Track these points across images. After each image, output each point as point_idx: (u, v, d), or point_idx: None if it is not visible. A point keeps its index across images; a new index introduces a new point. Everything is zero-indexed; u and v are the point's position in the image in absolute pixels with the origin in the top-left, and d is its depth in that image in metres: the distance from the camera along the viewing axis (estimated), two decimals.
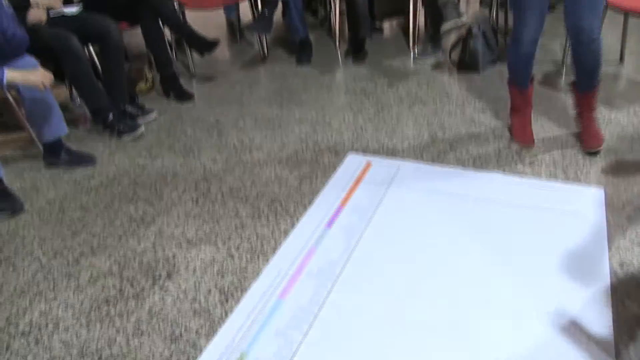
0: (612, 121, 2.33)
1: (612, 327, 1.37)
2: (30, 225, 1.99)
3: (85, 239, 1.88)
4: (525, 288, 1.52)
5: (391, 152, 2.25)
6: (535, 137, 2.25)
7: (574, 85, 2.15)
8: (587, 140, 2.14)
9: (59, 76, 2.59)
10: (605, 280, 1.51)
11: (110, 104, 2.49)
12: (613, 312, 1.42)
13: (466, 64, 2.94)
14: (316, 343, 1.39)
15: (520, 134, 2.23)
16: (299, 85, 2.95)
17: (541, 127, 2.35)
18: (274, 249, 1.76)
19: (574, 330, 1.38)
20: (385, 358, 1.34)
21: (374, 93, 2.80)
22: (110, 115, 2.48)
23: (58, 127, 2.25)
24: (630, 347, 1.32)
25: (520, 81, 2.20)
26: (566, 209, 1.81)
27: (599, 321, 1.39)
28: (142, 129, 2.50)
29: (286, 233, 1.83)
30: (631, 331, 1.36)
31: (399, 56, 3.22)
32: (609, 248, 1.64)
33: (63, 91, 2.84)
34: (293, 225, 1.87)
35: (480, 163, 2.13)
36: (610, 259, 1.59)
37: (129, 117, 2.63)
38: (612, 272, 1.55)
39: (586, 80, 2.08)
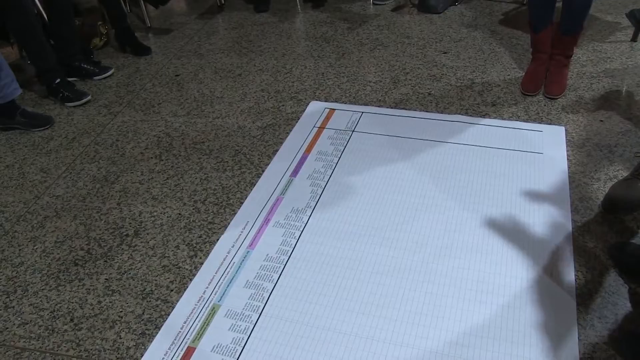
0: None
1: (572, 261, 1.42)
2: None
3: (48, 202, 1.85)
4: (488, 228, 1.55)
5: (353, 99, 2.25)
6: (497, 77, 2.24)
7: (556, 25, 2.04)
8: (550, 85, 2.09)
9: (4, 35, 2.50)
10: (567, 216, 1.55)
11: (59, 67, 2.39)
12: (573, 247, 1.46)
13: (426, 5, 2.90)
14: (286, 292, 1.41)
15: (525, 80, 2.15)
16: (257, 33, 2.90)
17: (502, 67, 2.34)
18: (240, 201, 1.76)
19: (537, 268, 1.41)
20: (356, 303, 1.36)
21: (334, 38, 2.77)
22: (57, 80, 2.38)
23: (10, 89, 2.18)
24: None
25: (534, 20, 2.08)
26: (528, 148, 1.84)
27: (561, 257, 1.44)
28: (88, 97, 2.41)
29: (252, 184, 1.82)
30: (589, 264, 1.41)
31: None
32: (570, 185, 1.67)
33: (14, 50, 2.73)
34: (258, 175, 1.86)
35: (443, 106, 2.14)
36: (571, 196, 1.62)
37: (84, 74, 2.54)
38: (573, 208, 1.59)
39: (572, 22, 1.99)
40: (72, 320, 1.42)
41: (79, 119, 2.31)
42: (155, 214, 1.76)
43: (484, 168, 1.76)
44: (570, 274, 1.37)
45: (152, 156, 2.04)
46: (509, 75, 2.28)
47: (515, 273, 1.40)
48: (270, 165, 1.91)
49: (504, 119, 2.02)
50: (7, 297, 1.51)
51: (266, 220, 1.65)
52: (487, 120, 2.01)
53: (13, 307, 1.48)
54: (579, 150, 1.83)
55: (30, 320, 1.43)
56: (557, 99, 2.09)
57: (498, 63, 2.37)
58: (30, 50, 2.37)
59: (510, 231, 1.52)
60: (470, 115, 2.05)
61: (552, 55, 2.10)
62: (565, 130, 1.93)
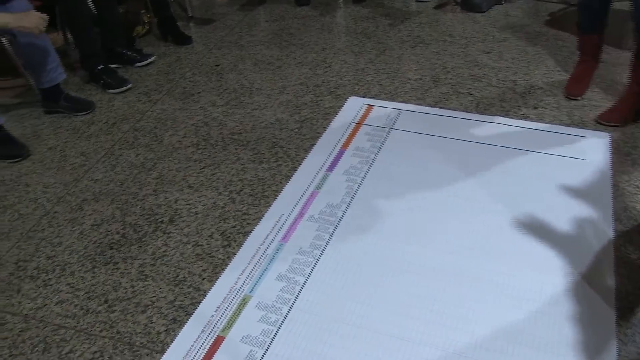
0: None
1: (613, 272, 1.37)
2: (32, 172, 1.99)
3: (87, 185, 1.88)
4: (525, 233, 1.52)
5: (392, 96, 2.22)
6: (541, 79, 2.19)
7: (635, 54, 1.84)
8: (617, 112, 1.90)
9: (52, 21, 2.50)
10: (609, 225, 1.51)
11: (101, 53, 2.43)
12: (615, 257, 1.42)
13: (470, 4, 2.85)
14: (318, 286, 1.40)
15: (569, 83, 2.05)
16: (298, 26, 2.89)
17: (546, 70, 2.30)
18: (276, 193, 1.75)
19: (575, 277, 1.38)
20: (386, 301, 1.35)
21: (375, 34, 2.74)
22: (100, 66, 2.41)
23: (56, 73, 2.21)
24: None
25: (583, 23, 1.96)
26: (570, 154, 1.78)
27: (601, 266, 1.40)
28: (129, 85, 2.43)
29: (287, 177, 1.82)
30: (631, 276, 1.37)
31: None
32: (613, 193, 1.62)
33: (60, 37, 2.77)
34: (294, 169, 1.85)
35: (483, 107, 2.10)
36: (614, 204, 1.58)
37: (126, 60, 2.57)
38: (616, 217, 1.54)
39: None
40: (106, 302, 1.44)
41: (119, 105, 2.34)
42: (190, 202, 1.76)
43: (523, 172, 1.73)
44: (610, 286, 1.33)
45: (190, 145, 2.04)
46: (552, 77, 2.23)
47: (551, 280, 1.37)
48: (306, 159, 1.90)
49: (546, 123, 1.96)
50: (46, 275, 1.54)
51: (300, 214, 1.64)
52: (528, 123, 1.97)
53: (51, 285, 1.51)
54: (624, 158, 1.78)
55: (67, 299, 1.45)
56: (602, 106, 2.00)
57: (542, 65, 2.32)
58: (77, 35, 2.41)
59: (548, 237, 1.48)
60: (511, 118, 2.01)
61: (631, 82, 1.91)
62: (611, 137, 1.86)
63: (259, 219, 1.65)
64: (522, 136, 1.90)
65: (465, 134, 1.93)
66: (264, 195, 1.76)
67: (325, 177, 1.80)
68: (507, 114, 2.04)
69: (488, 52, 2.48)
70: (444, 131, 1.96)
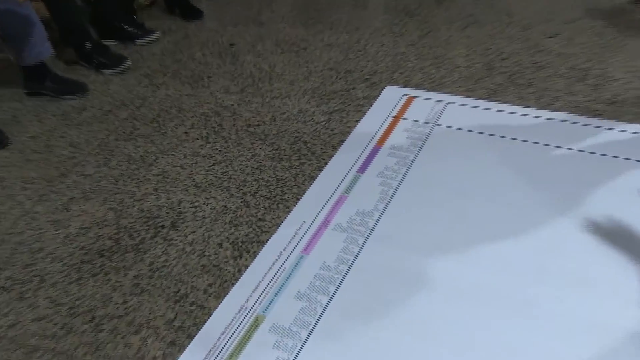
0: None
1: None
2: (11, 164, 2.00)
3: (75, 182, 1.89)
4: (595, 254, 1.48)
5: (438, 85, 2.22)
6: (619, 68, 2.15)
7: None
8: None
9: None
10: None
11: (87, 28, 2.40)
12: None
13: None
14: (344, 308, 1.38)
15: None
16: (328, 2, 2.88)
17: (626, 57, 2.27)
18: (297, 197, 1.75)
19: None
20: (422, 329, 1.33)
21: (419, 13, 2.74)
22: (88, 44, 2.40)
23: (41, 48, 2.19)
24: None
25: None
26: None
27: None
28: (128, 62, 2.43)
29: (311, 178, 1.82)
30: None
31: None
32: None
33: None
34: (320, 168, 1.85)
35: (546, 101, 2.07)
36: None
37: (125, 36, 2.56)
38: None
39: None
40: (92, 319, 1.43)
41: (116, 89, 2.35)
42: (197, 204, 1.76)
43: (594, 180, 1.70)
44: None
45: (198, 137, 2.04)
46: (634, 66, 2.19)
47: (627, 312, 1.33)
48: (334, 157, 1.90)
49: (624, 122, 1.92)
50: (22, 287, 1.53)
51: (325, 222, 1.64)
52: (602, 122, 1.93)
53: (28, 298, 1.50)
54: None
55: (46, 316, 1.44)
56: None
57: (621, 51, 2.29)
58: (51, 3, 2.33)
59: (622, 260, 1.44)
60: (581, 115, 1.98)
61: None
62: None
63: (277, 226, 1.64)
64: (595, 137, 1.87)
65: (523, 132, 1.91)
66: (282, 198, 1.75)
67: (355, 180, 1.80)
68: (575, 110, 2.00)
69: (554, 36, 2.45)
70: (498, 129, 1.94)
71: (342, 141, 1.97)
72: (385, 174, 1.82)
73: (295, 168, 1.88)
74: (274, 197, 1.77)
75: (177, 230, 1.67)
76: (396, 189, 1.75)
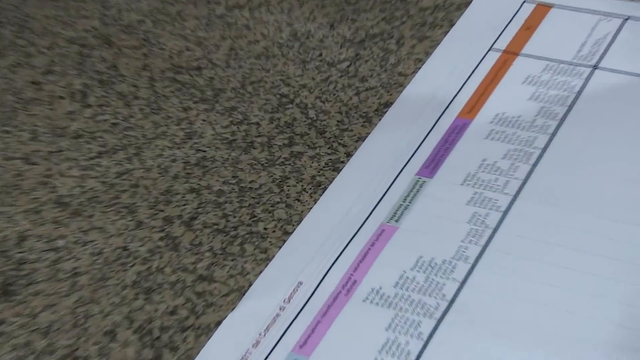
0: None
1: None
2: None
3: None
4: None
5: None
6: None
7: None
8: None
9: None
10: None
11: None
12: None
13: None
14: None
15: None
16: None
17: None
18: (286, 227, 1.45)
19: None
20: None
21: None
22: None
23: None
24: None
25: None
26: None
27: None
28: None
29: (318, 186, 1.50)
30: None
31: None
32: None
33: None
34: (335, 166, 1.52)
35: None
36: None
37: None
38: None
39: None
40: None
41: None
42: (60, 244, 1.44)
43: None
44: None
45: (65, 93, 1.75)
46: None
47: None
48: (367, 142, 1.57)
49: None
50: None
51: (347, 285, 1.32)
52: None
53: None
54: None
55: None
56: None
57: None
58: None
59: None
60: None
61: None
62: None
63: (238, 294, 1.31)
64: None
65: None
66: (253, 231, 1.43)
67: (415, 191, 1.47)
68: None
69: None
70: None
71: (386, 107, 1.64)
72: (482, 179, 1.47)
73: (284, 165, 1.56)
74: (234, 228, 1.44)
75: (13, 301, 1.36)
76: (505, 211, 1.40)
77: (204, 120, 1.69)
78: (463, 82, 1.71)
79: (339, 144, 1.60)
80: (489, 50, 1.75)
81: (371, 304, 1.29)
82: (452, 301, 1.28)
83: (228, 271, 1.37)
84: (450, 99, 1.66)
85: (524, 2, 1.85)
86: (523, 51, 1.73)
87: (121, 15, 2.04)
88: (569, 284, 1.31)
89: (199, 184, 1.56)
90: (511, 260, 1.37)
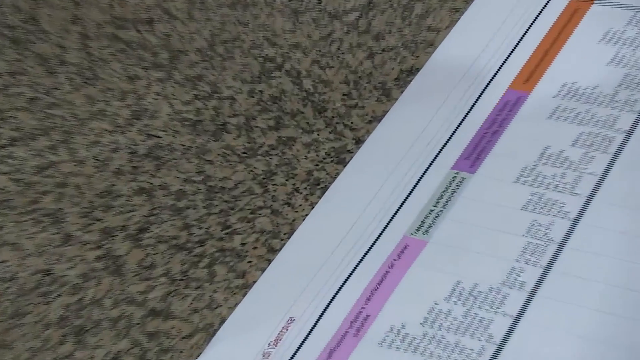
0: None
1: None
2: None
3: None
4: None
5: None
6: None
7: None
8: None
9: None
10: None
11: None
12: None
13: None
14: None
15: None
16: None
17: None
18: (271, 242, 1.44)
19: None
20: None
21: None
22: None
23: None
24: None
25: None
26: None
27: None
28: None
29: (315, 185, 1.50)
30: None
31: None
32: None
33: None
34: (338, 157, 1.52)
35: None
36: None
37: None
38: None
39: None
40: None
41: None
42: None
43: None
44: None
45: None
46: None
47: None
48: (385, 121, 1.56)
49: None
50: None
51: (354, 322, 1.31)
52: None
53: None
54: None
55: None
56: None
57: None
58: None
59: None
60: None
61: None
62: None
63: (205, 335, 1.30)
64: None
65: None
66: (226, 250, 1.42)
67: (452, 189, 1.45)
68: None
69: None
70: None
71: (410, 76, 1.64)
72: (543, 174, 1.47)
73: (268, 155, 1.55)
74: (199, 243, 1.43)
75: None
76: (576, 220, 1.40)
77: (158, 94, 1.66)
78: (517, 41, 1.69)
79: (345, 126, 1.58)
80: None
81: (390, 349, 1.25)
82: (502, 344, 1.24)
83: (191, 303, 1.34)
84: (499, 65, 1.64)
85: None
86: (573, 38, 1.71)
87: None
88: None
89: (150, 183, 1.53)
90: (584, 288, 1.33)
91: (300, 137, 1.58)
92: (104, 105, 1.66)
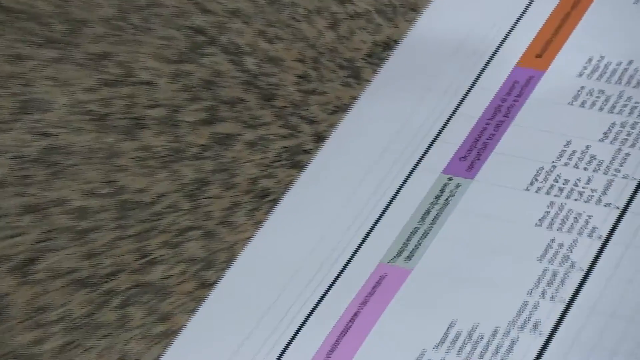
0: None
1: None
2: None
3: None
4: None
5: None
6: None
7: None
8: None
9: None
10: None
11: None
12: None
13: None
14: None
15: None
16: None
17: None
18: (218, 263, 1.46)
19: None
20: None
21: None
22: None
23: None
24: None
25: None
26: None
27: None
28: None
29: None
30: None
31: None
32: None
33: None
34: (297, 161, 1.56)
35: None
36: None
37: None
38: None
39: None
40: None
41: None
42: None
43: None
44: None
45: None
46: None
47: None
48: (354, 111, 1.60)
49: None
50: None
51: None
52: None
53: None
54: None
55: None
56: None
57: None
58: None
59: None
60: None
61: None
62: None
63: None
64: None
65: None
66: (143, 285, 1.43)
67: (442, 199, 1.47)
68: None
69: None
70: None
71: (386, 51, 1.70)
72: (564, 178, 1.49)
73: (199, 158, 1.59)
74: (108, 277, 1.46)
75: None
76: (607, 239, 1.42)
77: (51, 79, 1.64)
78: (527, 3, 1.70)
79: (301, 118, 1.57)
80: None
81: None
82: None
83: (97, 358, 1.34)
84: (504, 35, 1.64)
85: None
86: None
87: None
88: None
89: (42, 197, 1.51)
90: (616, 328, 1.30)
91: (242, 134, 1.57)
92: None
